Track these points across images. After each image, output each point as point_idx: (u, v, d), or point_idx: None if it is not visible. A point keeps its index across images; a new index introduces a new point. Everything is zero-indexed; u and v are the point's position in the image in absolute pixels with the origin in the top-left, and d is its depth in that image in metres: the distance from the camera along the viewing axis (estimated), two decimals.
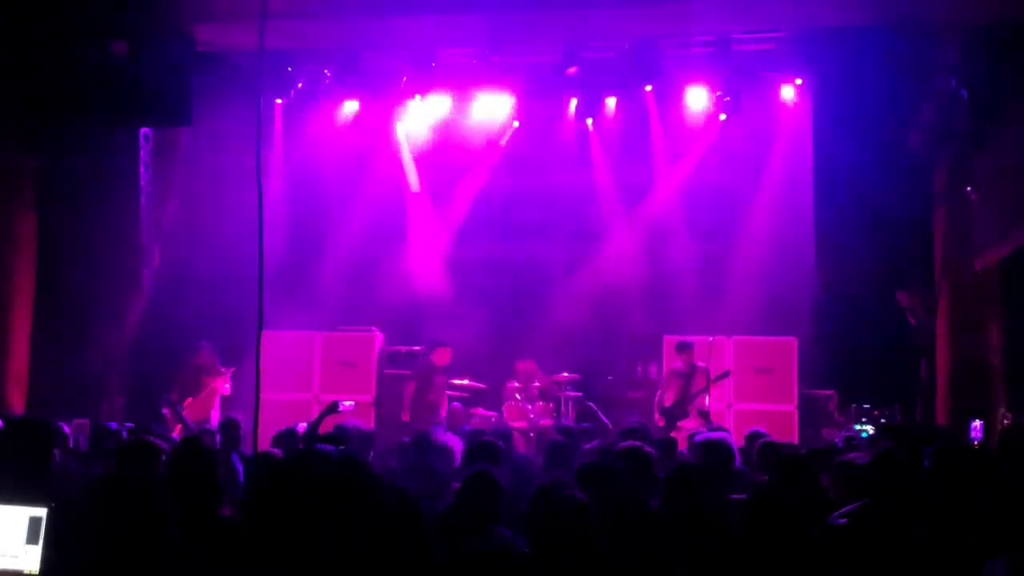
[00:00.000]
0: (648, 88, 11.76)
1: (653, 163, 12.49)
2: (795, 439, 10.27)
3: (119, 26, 8.74)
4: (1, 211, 10.30)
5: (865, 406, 10.70)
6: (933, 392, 10.61)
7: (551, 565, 3.64)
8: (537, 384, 11.38)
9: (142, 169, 11.01)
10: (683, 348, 10.68)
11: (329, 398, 8.91)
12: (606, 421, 10.85)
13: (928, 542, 3.98)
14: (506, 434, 7.45)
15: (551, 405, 11.35)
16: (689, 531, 4.15)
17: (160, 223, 11.43)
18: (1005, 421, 9.29)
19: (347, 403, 7.43)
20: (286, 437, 6.88)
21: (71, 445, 6.72)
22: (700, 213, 12.12)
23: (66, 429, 6.75)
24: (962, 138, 10.14)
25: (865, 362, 10.91)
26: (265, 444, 6.23)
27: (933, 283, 10.80)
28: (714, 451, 5.61)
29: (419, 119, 12.74)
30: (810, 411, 11.03)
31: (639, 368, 11.95)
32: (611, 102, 12.32)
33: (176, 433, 8.92)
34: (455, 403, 11.08)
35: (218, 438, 7.38)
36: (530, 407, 11.18)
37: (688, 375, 10.55)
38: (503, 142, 12.66)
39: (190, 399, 10.30)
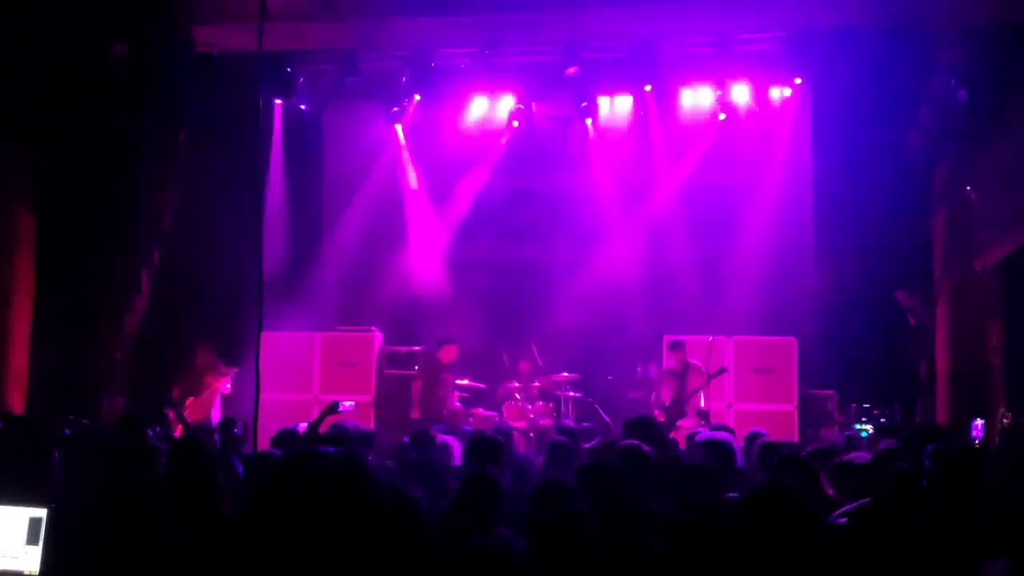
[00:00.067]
0: (648, 88, 11.75)
1: (653, 163, 12.48)
2: (795, 439, 10.27)
3: (119, 27, 8.76)
4: (1, 211, 10.30)
5: (865, 406, 10.71)
6: (933, 392, 10.62)
7: (550, 565, 3.64)
8: (537, 384, 11.39)
9: (143, 169, 11.01)
10: (675, 347, 10.67)
11: (329, 398, 8.92)
12: (607, 419, 10.85)
13: (928, 542, 3.98)
14: (507, 432, 7.45)
15: (551, 405, 11.34)
16: (689, 531, 4.15)
17: (160, 223, 11.42)
18: (1005, 421, 9.28)
19: (347, 403, 7.44)
20: (286, 437, 6.87)
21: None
22: (700, 213, 12.11)
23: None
24: (962, 138, 10.15)
25: (865, 362, 10.91)
26: (265, 444, 6.22)
27: (933, 283, 10.81)
28: (715, 451, 5.60)
29: (419, 119, 12.74)
30: (810, 411, 11.03)
31: (639, 368, 11.94)
32: (611, 102, 12.31)
33: (178, 434, 8.92)
34: (450, 405, 11.07)
35: (217, 438, 7.38)
36: (530, 407, 11.18)
37: (682, 374, 10.54)
38: (503, 142, 12.66)
39: (191, 399, 10.32)
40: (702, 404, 10.48)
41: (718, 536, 3.79)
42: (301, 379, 11.72)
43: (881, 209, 10.65)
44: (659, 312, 11.86)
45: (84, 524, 3.80)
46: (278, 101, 12.33)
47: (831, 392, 11.06)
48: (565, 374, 11.50)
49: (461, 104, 12.48)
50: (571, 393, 11.51)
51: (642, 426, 6.03)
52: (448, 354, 11.10)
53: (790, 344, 11.21)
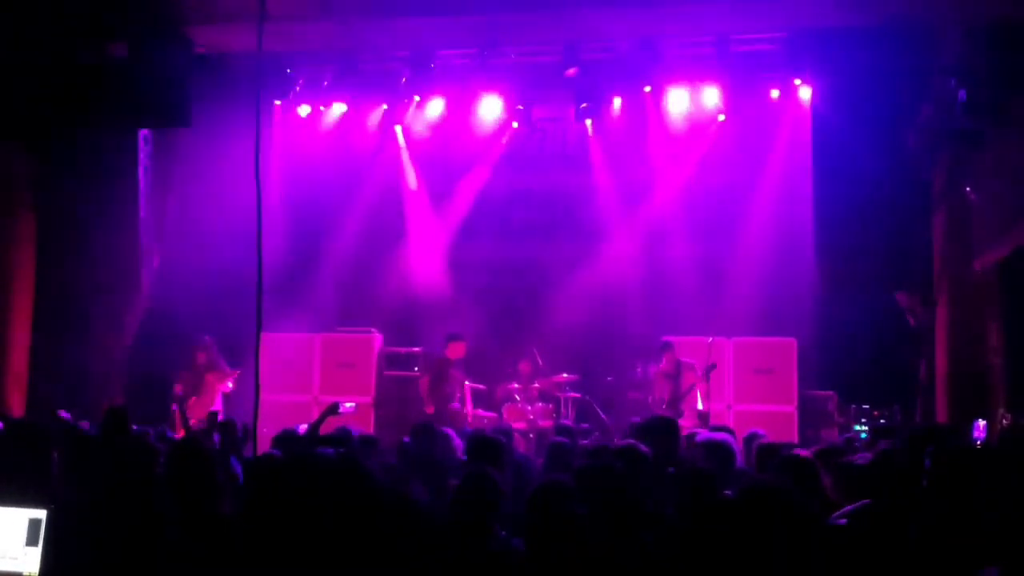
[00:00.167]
0: (648, 88, 11.76)
1: (653, 163, 12.47)
2: (795, 440, 10.26)
3: (118, 28, 8.75)
4: (1, 211, 10.30)
5: (865, 406, 10.70)
6: (932, 392, 10.61)
7: (548, 565, 3.64)
8: (537, 385, 11.39)
9: (141, 170, 11.01)
10: (665, 347, 10.66)
11: (329, 399, 8.92)
12: (605, 418, 10.85)
13: (928, 542, 3.98)
14: (507, 432, 7.45)
15: (551, 405, 11.34)
16: (688, 531, 4.15)
17: (160, 223, 11.43)
18: (1004, 421, 9.27)
19: (347, 404, 7.44)
20: (286, 439, 6.87)
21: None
22: (699, 213, 12.12)
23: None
24: (962, 138, 10.14)
25: (865, 362, 10.90)
26: (265, 446, 6.22)
27: (933, 283, 10.80)
28: (715, 452, 5.60)
29: (418, 120, 12.74)
30: (810, 412, 11.03)
31: (639, 368, 11.93)
32: (610, 102, 12.32)
33: (181, 434, 8.92)
34: (454, 403, 11.07)
35: (216, 438, 7.37)
36: (530, 408, 11.18)
37: (675, 374, 10.54)
38: (503, 142, 12.66)
39: (193, 398, 10.33)
40: (700, 405, 10.48)
41: (717, 536, 3.78)
42: (301, 380, 11.74)
43: (881, 209, 10.65)
44: (659, 312, 11.86)
45: (84, 525, 3.80)
46: (277, 102, 12.35)
47: (831, 393, 11.06)
48: (564, 375, 11.50)
49: (461, 104, 12.48)
50: (570, 394, 11.51)
51: (660, 428, 5.97)
52: (455, 350, 11.10)
53: (790, 345, 11.21)
